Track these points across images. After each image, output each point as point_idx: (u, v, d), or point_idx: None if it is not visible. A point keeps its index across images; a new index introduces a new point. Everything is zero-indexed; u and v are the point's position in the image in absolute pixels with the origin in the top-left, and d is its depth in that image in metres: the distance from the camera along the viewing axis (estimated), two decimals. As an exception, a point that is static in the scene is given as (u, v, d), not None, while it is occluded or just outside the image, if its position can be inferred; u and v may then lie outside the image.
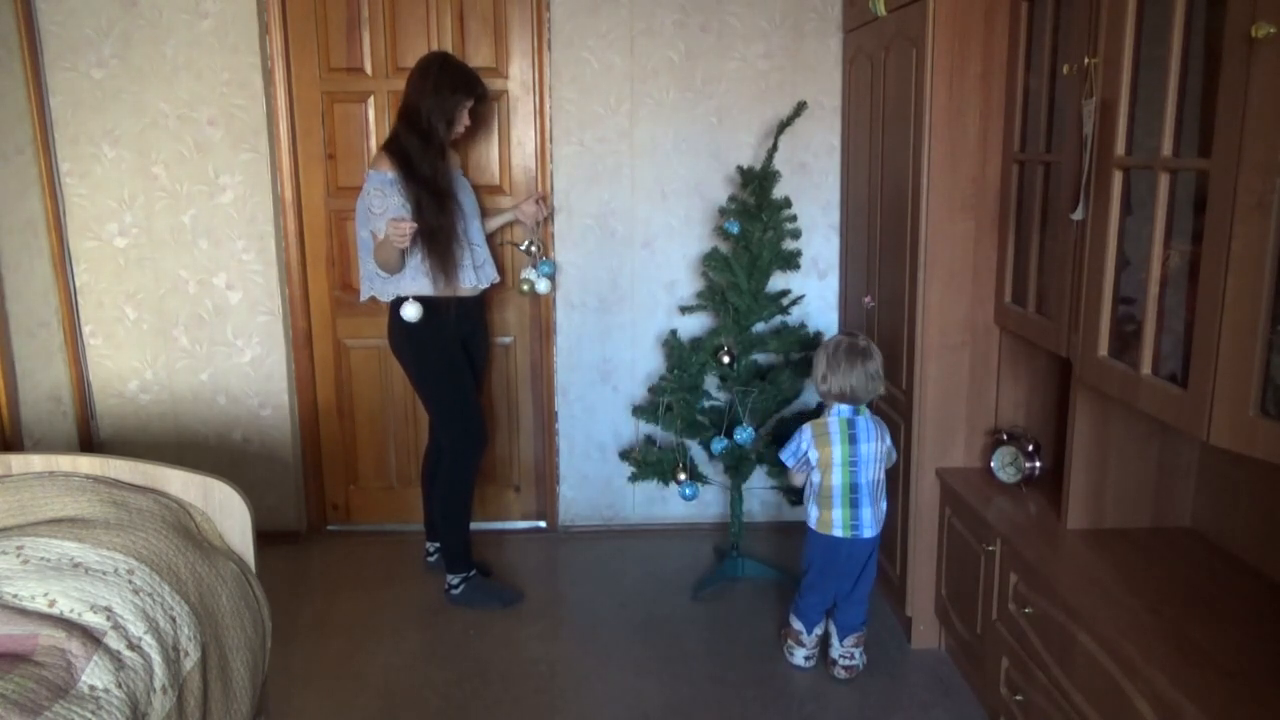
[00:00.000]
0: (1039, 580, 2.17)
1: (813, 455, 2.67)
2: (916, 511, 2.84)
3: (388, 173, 2.93)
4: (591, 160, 3.57)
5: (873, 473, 2.67)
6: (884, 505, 2.73)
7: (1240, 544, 2.16)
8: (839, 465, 2.64)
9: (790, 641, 2.84)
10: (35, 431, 3.26)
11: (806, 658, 2.81)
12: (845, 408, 2.66)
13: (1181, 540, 2.26)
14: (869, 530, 2.68)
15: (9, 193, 3.18)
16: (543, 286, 3.38)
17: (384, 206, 2.90)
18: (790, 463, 2.74)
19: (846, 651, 2.75)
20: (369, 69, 3.52)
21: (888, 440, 2.72)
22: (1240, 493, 2.16)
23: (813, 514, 2.72)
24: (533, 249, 3.40)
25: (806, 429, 2.69)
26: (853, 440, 2.64)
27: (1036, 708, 2.18)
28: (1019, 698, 2.28)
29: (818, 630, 2.80)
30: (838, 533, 2.67)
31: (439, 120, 2.96)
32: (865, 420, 2.67)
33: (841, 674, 2.76)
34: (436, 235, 2.93)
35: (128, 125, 3.42)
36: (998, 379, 2.78)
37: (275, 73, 3.46)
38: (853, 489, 2.65)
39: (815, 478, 2.70)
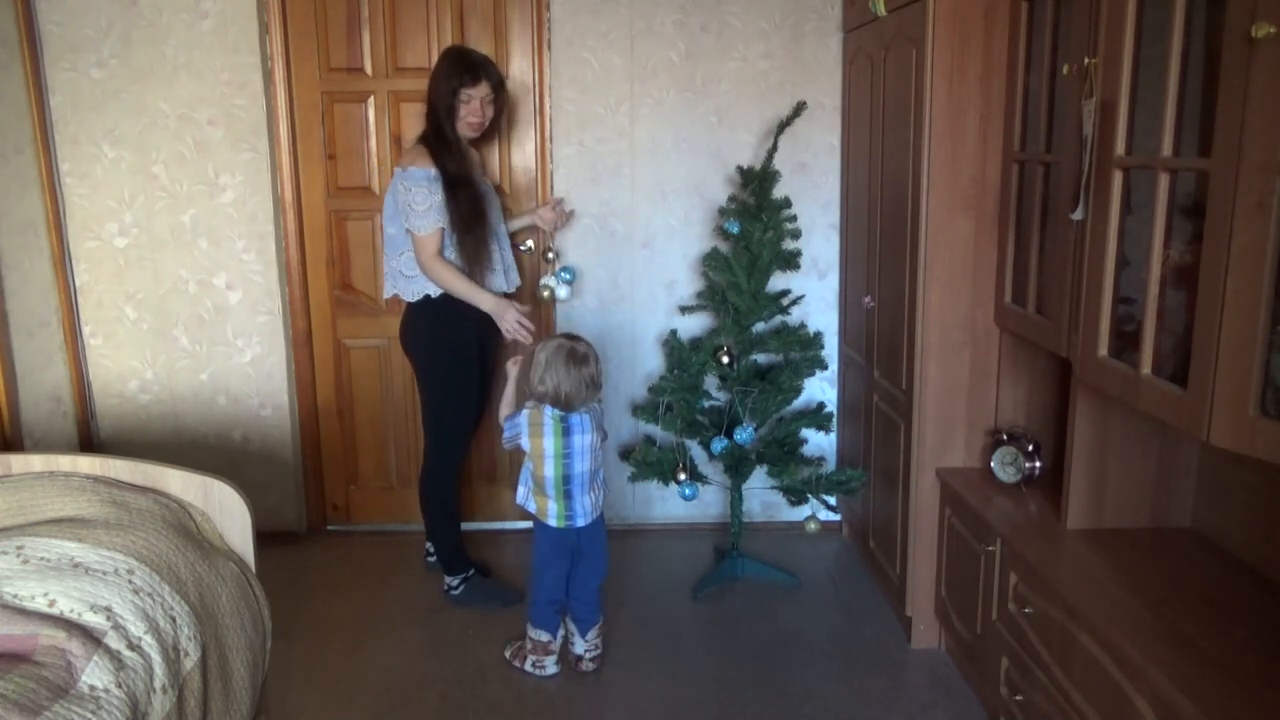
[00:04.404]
0: (1039, 580, 2.17)
1: (525, 443, 2.66)
2: (916, 511, 2.84)
3: (430, 169, 2.90)
4: (591, 160, 3.57)
5: (587, 463, 2.67)
6: (601, 494, 2.75)
7: (1240, 544, 2.16)
8: (551, 457, 2.63)
9: (536, 655, 2.78)
10: (35, 431, 3.26)
11: (556, 662, 2.79)
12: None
13: (1181, 540, 2.26)
14: (582, 520, 2.69)
15: (9, 193, 3.18)
16: (563, 292, 3.35)
17: (429, 203, 2.88)
18: (507, 433, 2.72)
19: (591, 644, 2.79)
20: (369, 69, 3.52)
21: (601, 430, 2.73)
22: (1240, 493, 2.16)
23: (531, 502, 2.71)
24: (549, 255, 3.40)
25: (524, 414, 2.67)
26: (566, 433, 2.63)
27: (1036, 708, 2.18)
28: (1019, 698, 2.28)
29: (561, 633, 2.80)
30: (552, 522, 2.69)
31: (440, 111, 2.95)
32: (578, 414, 2.65)
33: (590, 665, 2.78)
34: (472, 234, 2.93)
35: (128, 125, 3.42)
36: (998, 379, 2.78)
37: (275, 73, 3.46)
38: (566, 480, 2.65)
39: (528, 462, 2.70)
